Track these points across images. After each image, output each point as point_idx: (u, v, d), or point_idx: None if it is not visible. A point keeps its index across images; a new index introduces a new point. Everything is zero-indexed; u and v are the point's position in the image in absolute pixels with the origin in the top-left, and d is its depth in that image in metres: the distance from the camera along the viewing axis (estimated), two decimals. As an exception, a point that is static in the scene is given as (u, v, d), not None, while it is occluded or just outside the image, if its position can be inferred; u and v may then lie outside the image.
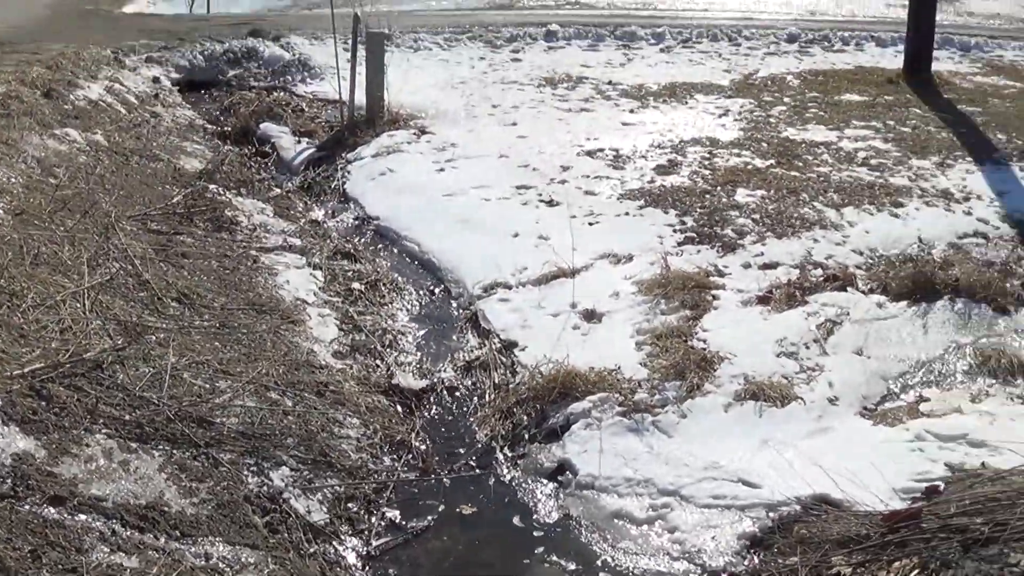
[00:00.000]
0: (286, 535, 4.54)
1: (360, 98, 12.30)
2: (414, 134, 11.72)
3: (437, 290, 7.93)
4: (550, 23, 19.55)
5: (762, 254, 8.15)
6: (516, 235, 8.60)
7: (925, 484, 4.99)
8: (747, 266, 7.93)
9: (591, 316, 7.04)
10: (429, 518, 5.04)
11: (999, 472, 4.82)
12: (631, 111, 13.21)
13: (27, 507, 3.87)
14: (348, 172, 10.63)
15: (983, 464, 5.16)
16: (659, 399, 5.94)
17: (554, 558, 4.79)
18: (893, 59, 17.99)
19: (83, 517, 3.98)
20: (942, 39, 19.83)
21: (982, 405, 6.06)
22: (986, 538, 4.02)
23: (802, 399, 5.99)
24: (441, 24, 18.96)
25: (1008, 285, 7.71)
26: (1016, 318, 7.33)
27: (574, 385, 6.00)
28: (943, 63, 18.35)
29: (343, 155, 11.16)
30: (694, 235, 8.54)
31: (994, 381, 6.42)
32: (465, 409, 6.19)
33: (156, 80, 13.72)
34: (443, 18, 20.26)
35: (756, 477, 5.18)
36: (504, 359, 6.59)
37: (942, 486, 4.95)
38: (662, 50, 18.28)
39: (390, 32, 15.54)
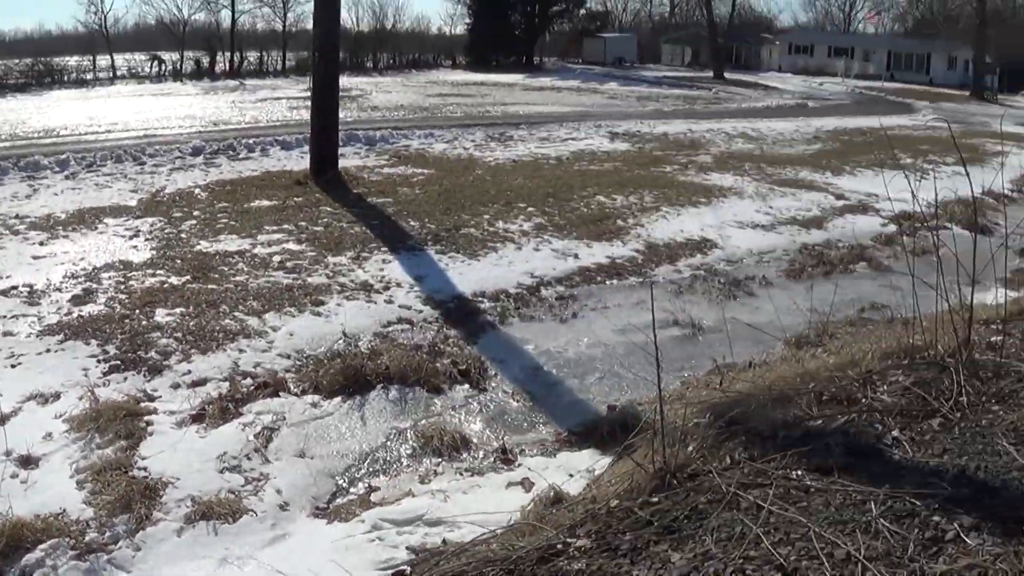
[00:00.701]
0: None
1: None
2: None
3: None
4: (-54, 164, 18.86)
5: (190, 372, 8.46)
6: (-63, 391, 8.25)
7: (391, 571, 5.38)
8: (176, 386, 8.20)
9: (27, 462, 6.97)
10: None
11: (461, 545, 5.16)
12: (41, 243, 13.09)
13: None
14: None
15: (444, 541, 5.65)
16: (111, 535, 5.99)
17: None
18: (300, 160, 19.39)
19: None
20: (347, 135, 21.68)
21: (432, 484, 6.72)
22: (459, 610, 4.38)
23: (253, 511, 6.30)
24: None
25: (438, 365, 8.66)
26: (451, 395, 8.26)
27: (23, 536, 5.91)
28: (350, 159, 20.07)
29: None
30: (119, 363, 8.66)
31: (440, 459, 7.16)
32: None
33: None
34: None
35: (220, 596, 5.41)
36: (-54, 521, 6.45)
37: (408, 570, 5.33)
38: (68, 177, 18.21)
39: None
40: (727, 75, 68.11)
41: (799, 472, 4.85)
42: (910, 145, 27.02)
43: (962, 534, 3.99)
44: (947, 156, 24.11)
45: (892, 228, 15.46)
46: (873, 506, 4.32)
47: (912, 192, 6.75)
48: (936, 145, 27.02)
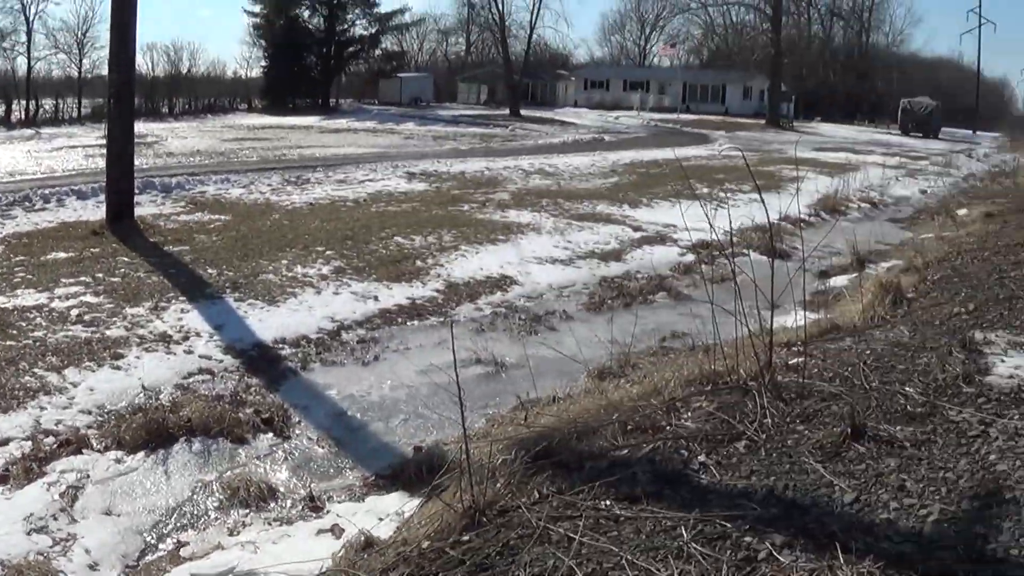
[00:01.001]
0: None
1: None
2: None
3: None
4: None
5: (-10, 432, 8.16)
6: None
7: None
8: (-23, 448, 7.89)
9: None
10: None
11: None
12: None
13: None
14: None
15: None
16: (-80, 605, 5.80)
17: None
18: (96, 210, 18.81)
19: None
20: (144, 183, 21.21)
21: (242, 535, 6.60)
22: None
23: (63, 572, 6.10)
24: None
25: (241, 415, 8.54)
26: (256, 445, 8.16)
27: None
28: (147, 207, 19.59)
29: None
30: (-83, 426, 8.30)
31: (248, 510, 7.04)
32: None
33: None
34: None
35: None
36: None
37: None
38: None
39: None
40: (524, 112, 69.44)
41: (608, 502, 4.92)
42: (707, 175, 28.15)
43: (775, 552, 4.11)
44: (744, 184, 25.09)
45: (691, 258, 15.96)
46: (684, 531, 4.41)
47: (709, 221, 6.99)
48: (732, 174, 28.15)
